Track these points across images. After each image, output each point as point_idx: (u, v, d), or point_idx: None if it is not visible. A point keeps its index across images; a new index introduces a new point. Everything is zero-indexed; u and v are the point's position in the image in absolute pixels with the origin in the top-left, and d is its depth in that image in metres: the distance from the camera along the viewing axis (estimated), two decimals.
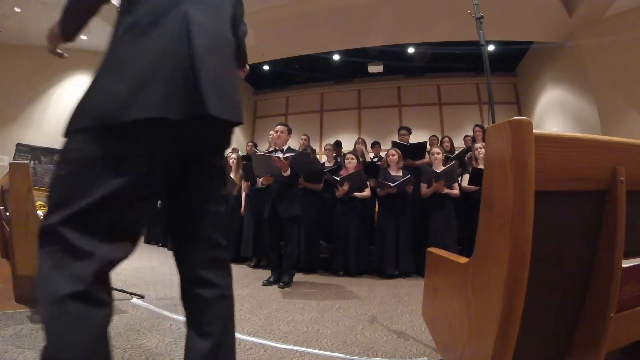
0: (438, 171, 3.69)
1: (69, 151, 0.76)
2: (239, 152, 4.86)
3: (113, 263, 0.74)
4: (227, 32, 0.93)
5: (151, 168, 0.79)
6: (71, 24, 0.91)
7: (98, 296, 0.70)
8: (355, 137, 6.29)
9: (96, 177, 0.72)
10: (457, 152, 4.92)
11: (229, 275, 0.97)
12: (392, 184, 3.64)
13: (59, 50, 0.99)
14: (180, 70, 0.77)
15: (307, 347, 1.68)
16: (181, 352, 1.51)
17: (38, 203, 2.57)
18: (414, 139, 4.90)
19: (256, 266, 4.20)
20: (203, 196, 0.93)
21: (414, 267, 3.78)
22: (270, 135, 3.89)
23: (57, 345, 0.66)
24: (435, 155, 3.90)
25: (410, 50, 7.71)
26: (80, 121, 0.75)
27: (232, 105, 0.87)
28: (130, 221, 0.78)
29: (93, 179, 0.72)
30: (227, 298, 0.94)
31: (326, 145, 4.90)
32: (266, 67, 8.63)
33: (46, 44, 0.96)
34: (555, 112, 7.03)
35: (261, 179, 3.40)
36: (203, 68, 0.79)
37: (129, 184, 0.74)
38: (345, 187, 3.75)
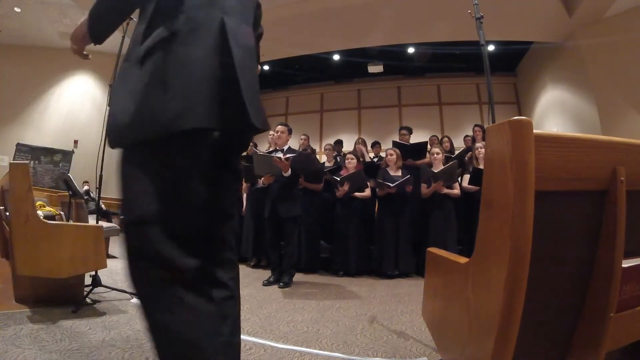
0: (436, 171, 3.69)
1: (135, 164, 0.78)
2: None
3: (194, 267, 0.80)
4: (252, 39, 0.94)
5: (205, 174, 0.82)
6: (101, 26, 0.88)
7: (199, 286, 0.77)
8: (355, 137, 6.29)
9: (168, 187, 0.76)
10: (457, 152, 4.92)
11: (237, 276, 0.98)
12: (391, 184, 3.64)
13: (84, 52, 0.96)
14: (223, 79, 0.79)
15: (307, 347, 1.68)
16: None
17: (38, 203, 2.57)
18: (414, 139, 4.90)
19: (256, 266, 4.20)
20: (224, 198, 0.96)
21: (414, 267, 3.78)
22: (271, 135, 3.89)
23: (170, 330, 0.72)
24: (435, 155, 3.90)
25: (410, 50, 7.71)
26: (136, 133, 0.76)
27: (261, 113, 0.89)
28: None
29: (168, 189, 0.77)
30: (235, 299, 0.95)
31: (326, 145, 4.90)
32: (266, 67, 8.63)
33: (71, 45, 0.93)
34: (555, 112, 7.02)
35: (262, 179, 3.41)
36: (242, 77, 0.80)
37: (195, 189, 0.79)
38: (346, 187, 3.75)
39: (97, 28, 0.88)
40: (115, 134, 0.78)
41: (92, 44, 0.92)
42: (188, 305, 0.73)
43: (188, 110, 0.74)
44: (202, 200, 0.81)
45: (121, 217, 0.82)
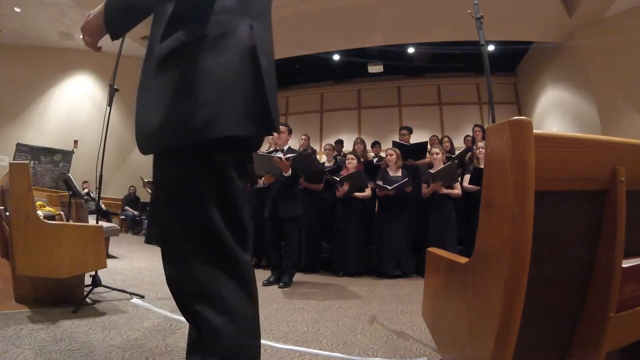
0: (433, 172, 3.69)
1: (165, 171, 0.80)
2: None
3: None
4: (272, 41, 0.93)
5: (231, 177, 0.83)
6: (120, 22, 0.82)
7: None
8: (355, 137, 6.30)
9: (199, 192, 0.78)
10: (457, 152, 4.92)
11: None
12: (389, 187, 3.64)
13: (98, 45, 0.90)
14: (250, 87, 0.79)
15: (307, 347, 1.68)
16: (182, 353, 1.51)
17: (38, 203, 2.57)
18: (414, 139, 4.89)
19: (256, 266, 4.19)
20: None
21: (414, 267, 3.78)
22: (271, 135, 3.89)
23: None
24: (435, 155, 3.90)
25: (410, 50, 7.70)
26: (166, 141, 0.76)
27: (278, 117, 0.89)
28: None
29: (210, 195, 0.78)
30: None
31: (326, 145, 4.90)
32: None
33: (83, 36, 0.87)
34: (555, 112, 7.02)
35: (262, 178, 3.41)
36: (267, 84, 0.81)
37: (237, 192, 0.82)
38: (346, 187, 3.75)
39: (116, 23, 0.81)
40: (144, 141, 0.79)
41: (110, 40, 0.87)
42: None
43: (217, 118, 0.74)
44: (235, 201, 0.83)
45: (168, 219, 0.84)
